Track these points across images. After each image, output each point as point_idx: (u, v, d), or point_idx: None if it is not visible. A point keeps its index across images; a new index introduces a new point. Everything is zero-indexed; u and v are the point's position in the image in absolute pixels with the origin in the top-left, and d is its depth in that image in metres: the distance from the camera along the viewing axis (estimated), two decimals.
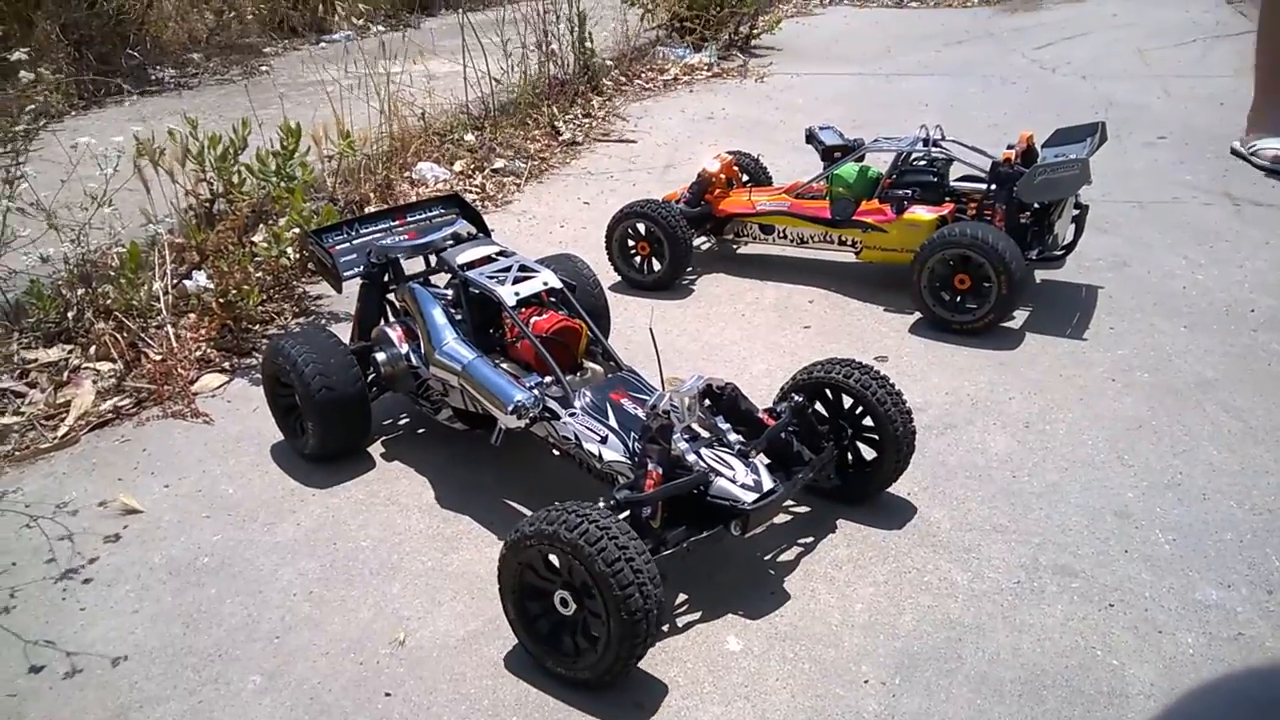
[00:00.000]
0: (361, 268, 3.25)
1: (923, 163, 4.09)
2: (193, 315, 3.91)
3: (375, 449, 3.19)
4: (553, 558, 2.11)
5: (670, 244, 4.18)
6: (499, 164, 5.85)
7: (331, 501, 2.93)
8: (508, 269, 2.93)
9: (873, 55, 8.82)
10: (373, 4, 10.19)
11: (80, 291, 3.82)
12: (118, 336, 3.65)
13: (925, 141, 4.08)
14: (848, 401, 2.67)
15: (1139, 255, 4.31)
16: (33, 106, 4.24)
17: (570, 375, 2.78)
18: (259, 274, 4.17)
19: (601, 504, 2.18)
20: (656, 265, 4.28)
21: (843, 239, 4.13)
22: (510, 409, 2.59)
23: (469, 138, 6.09)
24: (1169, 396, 3.23)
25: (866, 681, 2.19)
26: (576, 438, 2.57)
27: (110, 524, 2.86)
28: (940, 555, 2.56)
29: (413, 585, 2.56)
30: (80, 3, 7.14)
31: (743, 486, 2.32)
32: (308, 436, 3.03)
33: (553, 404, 2.63)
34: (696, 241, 4.49)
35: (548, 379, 2.73)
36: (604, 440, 2.53)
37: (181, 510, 2.91)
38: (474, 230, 3.42)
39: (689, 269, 4.36)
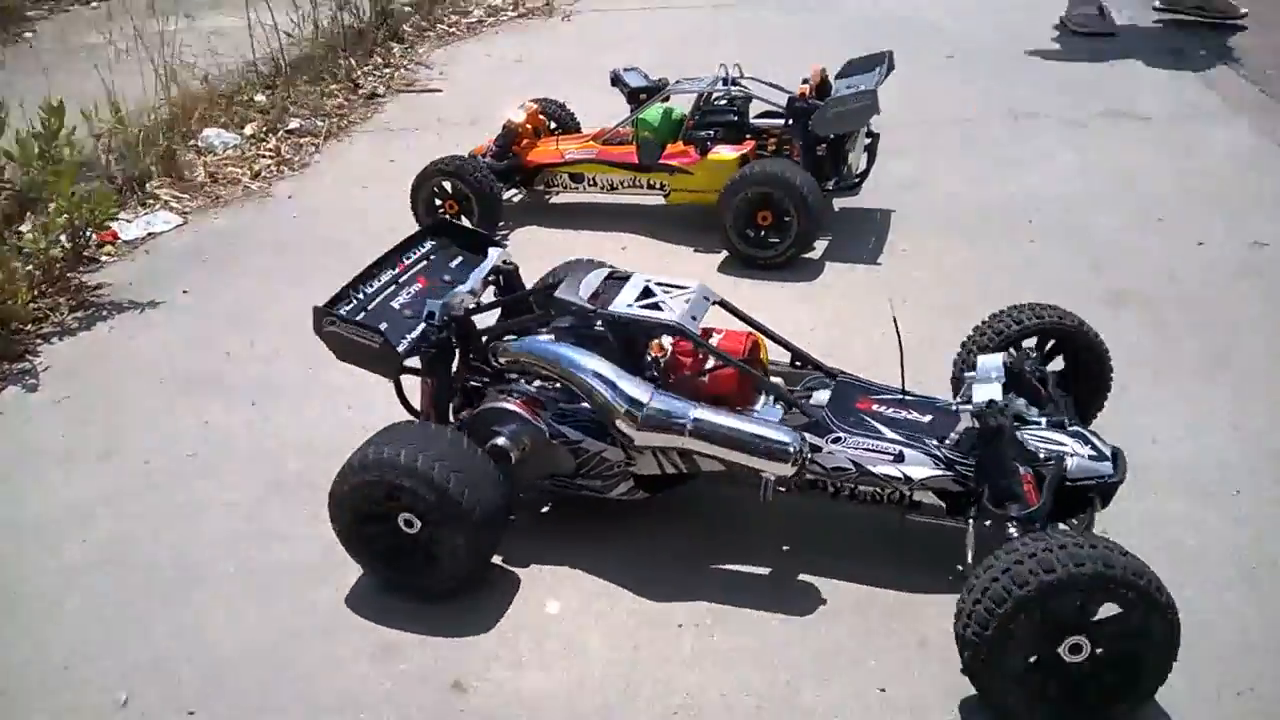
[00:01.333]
0: (417, 336, 2.52)
1: (723, 102, 4.12)
2: None
3: None
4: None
5: (478, 201, 4.07)
6: (294, 124, 5.51)
7: (121, 515, 2.74)
8: (647, 291, 2.46)
9: None
10: None
11: None
12: None
13: (725, 81, 4.11)
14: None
15: (927, 177, 4.52)
16: None
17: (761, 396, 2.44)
18: (28, 269, 3.81)
19: (1014, 531, 2.00)
20: (466, 223, 4.17)
21: (651, 183, 4.13)
22: (783, 454, 2.19)
23: (260, 98, 5.71)
24: (955, 313, 3.42)
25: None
26: (856, 465, 2.25)
27: None
28: None
29: (217, 592, 2.46)
30: None
31: (1091, 459, 2.17)
32: (439, 568, 2.30)
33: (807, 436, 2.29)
34: (506, 195, 4.40)
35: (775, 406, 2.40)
36: (899, 458, 2.24)
37: None
38: (510, 259, 2.79)
39: (500, 224, 4.27)
